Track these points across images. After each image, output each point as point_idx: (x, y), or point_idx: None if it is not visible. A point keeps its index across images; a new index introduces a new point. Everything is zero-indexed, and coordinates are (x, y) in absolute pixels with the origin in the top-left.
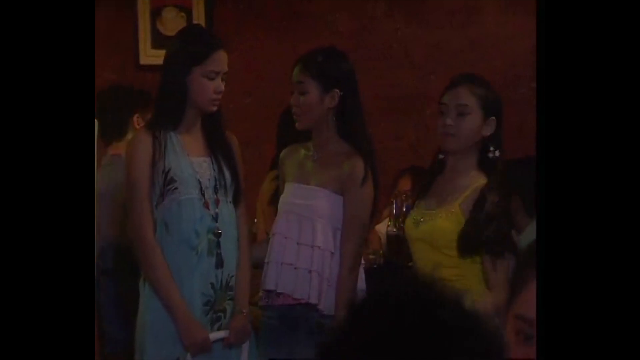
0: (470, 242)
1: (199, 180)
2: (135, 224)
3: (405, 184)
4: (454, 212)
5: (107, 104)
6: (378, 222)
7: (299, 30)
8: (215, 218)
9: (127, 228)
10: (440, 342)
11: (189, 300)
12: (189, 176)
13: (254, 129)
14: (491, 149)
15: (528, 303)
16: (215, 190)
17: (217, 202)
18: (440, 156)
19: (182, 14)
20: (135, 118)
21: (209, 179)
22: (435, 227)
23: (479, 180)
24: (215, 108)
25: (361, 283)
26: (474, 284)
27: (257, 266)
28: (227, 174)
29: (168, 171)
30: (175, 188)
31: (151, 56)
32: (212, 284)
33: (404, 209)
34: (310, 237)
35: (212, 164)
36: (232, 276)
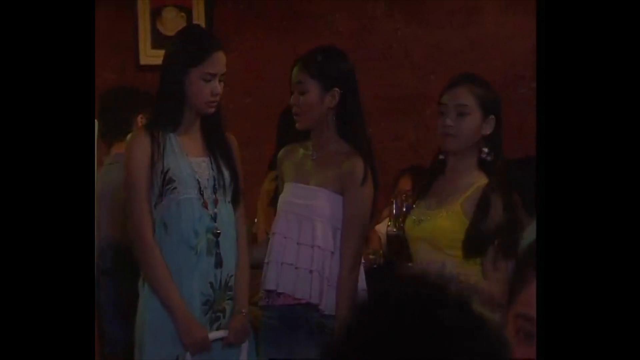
0: (477, 245)
1: (197, 180)
2: (135, 224)
3: (405, 184)
4: (455, 212)
5: (112, 104)
6: (378, 222)
7: (299, 30)
8: (214, 218)
9: (127, 228)
10: (444, 343)
11: (188, 300)
12: (188, 176)
13: (254, 129)
14: (485, 150)
15: (529, 302)
16: (214, 190)
17: (215, 202)
18: (441, 156)
19: (182, 14)
20: (139, 118)
21: (208, 179)
22: (437, 226)
23: (480, 180)
24: (212, 110)
25: (361, 283)
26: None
27: (257, 267)
28: (226, 174)
29: (167, 171)
30: (174, 188)
31: (151, 56)
32: (211, 283)
33: (404, 209)
34: (310, 237)
35: (211, 164)
36: (232, 276)
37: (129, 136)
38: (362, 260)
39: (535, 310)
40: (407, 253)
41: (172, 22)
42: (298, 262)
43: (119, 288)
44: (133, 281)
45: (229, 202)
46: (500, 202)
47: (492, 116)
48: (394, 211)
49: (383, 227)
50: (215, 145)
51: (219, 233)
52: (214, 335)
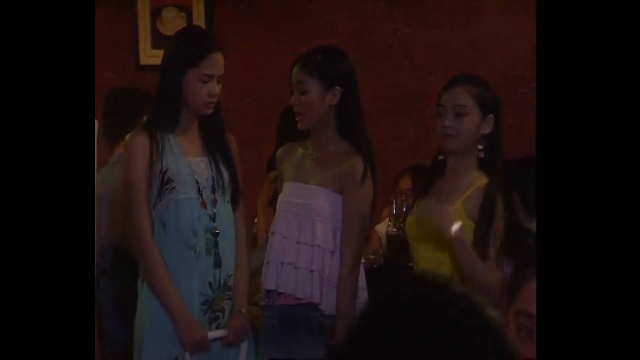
0: (485, 245)
1: (196, 180)
2: (134, 224)
3: (405, 184)
4: (457, 210)
5: (116, 104)
6: (378, 222)
7: (299, 30)
8: (213, 218)
9: (126, 228)
10: (449, 342)
11: (187, 300)
12: (187, 176)
13: (254, 129)
14: (480, 147)
15: (529, 299)
16: (213, 190)
17: (214, 202)
18: (440, 157)
19: (182, 14)
20: (144, 119)
21: (207, 179)
22: (438, 225)
23: (481, 180)
24: (210, 111)
25: (361, 282)
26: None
27: (256, 273)
28: (225, 174)
29: (165, 171)
30: (173, 188)
31: (151, 56)
32: (210, 283)
33: (404, 209)
34: (310, 237)
35: (210, 164)
36: (231, 276)
37: (127, 136)
38: (362, 260)
39: (535, 307)
40: (407, 253)
41: (172, 22)
42: (298, 261)
43: (119, 288)
44: (133, 281)
45: (228, 202)
46: (502, 201)
47: (491, 115)
48: (394, 211)
49: (383, 227)
50: (214, 145)
51: (218, 233)
52: (213, 334)
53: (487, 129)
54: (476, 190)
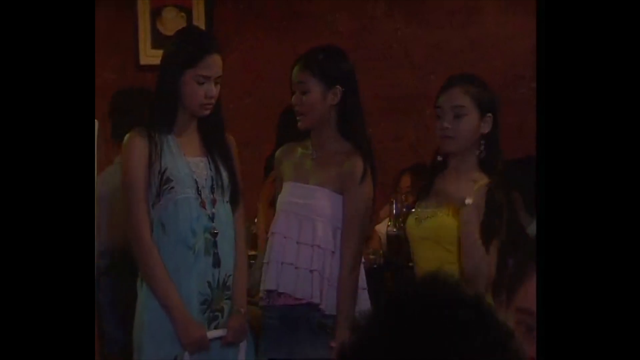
0: (486, 241)
1: (195, 180)
2: (132, 224)
3: (406, 183)
4: (457, 209)
5: (123, 104)
6: (377, 222)
7: (299, 30)
8: (212, 218)
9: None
10: (459, 343)
11: (186, 300)
12: (185, 176)
13: (254, 129)
14: (480, 148)
15: (528, 296)
16: (212, 190)
17: (213, 202)
18: (439, 158)
19: (182, 14)
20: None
21: (206, 179)
22: (439, 224)
23: (482, 179)
24: (207, 112)
25: (361, 282)
26: None
27: (253, 292)
28: (224, 174)
29: (164, 171)
30: (172, 187)
31: (151, 56)
32: (209, 282)
33: (404, 209)
34: (310, 237)
35: (209, 164)
36: (230, 275)
37: (126, 137)
38: (362, 260)
39: (535, 304)
40: (407, 253)
41: (172, 22)
42: (298, 261)
43: (119, 288)
44: (132, 281)
45: (227, 202)
46: (504, 200)
47: (490, 115)
48: (394, 211)
49: (383, 227)
50: (213, 145)
51: (217, 233)
52: (212, 334)
53: (486, 129)
54: (479, 189)
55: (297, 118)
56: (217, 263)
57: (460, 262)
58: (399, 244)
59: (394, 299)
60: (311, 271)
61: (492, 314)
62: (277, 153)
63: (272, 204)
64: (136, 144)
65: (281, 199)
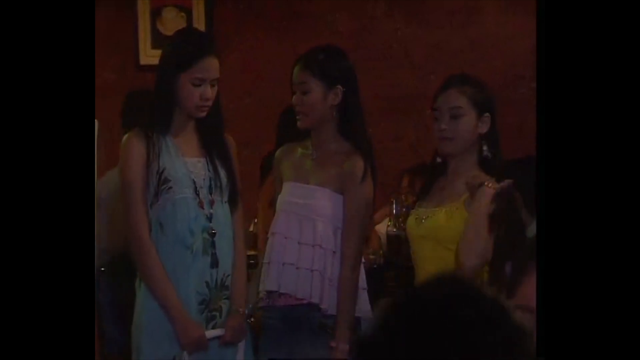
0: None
1: (193, 180)
2: (131, 224)
3: (409, 183)
4: (458, 209)
5: (135, 104)
6: (377, 223)
7: (299, 30)
8: (210, 218)
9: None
10: (475, 339)
11: (185, 299)
12: (183, 176)
13: (254, 129)
14: (485, 147)
15: (528, 294)
16: (210, 191)
17: (211, 203)
18: (439, 160)
19: (182, 14)
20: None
21: (204, 179)
22: (440, 223)
23: (482, 179)
24: (203, 114)
25: (362, 282)
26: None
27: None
28: (222, 174)
29: (162, 171)
30: (170, 187)
31: (151, 56)
32: (207, 282)
33: (404, 209)
34: (311, 237)
35: (207, 164)
36: (228, 275)
37: (124, 137)
38: (362, 260)
39: (534, 301)
40: (407, 253)
41: (172, 22)
42: (299, 262)
43: (118, 288)
44: (131, 281)
45: (225, 202)
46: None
47: (487, 114)
48: (394, 211)
49: (383, 227)
50: (211, 146)
51: (215, 233)
52: (210, 333)
53: (484, 129)
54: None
55: (298, 118)
56: (215, 263)
57: (459, 250)
58: (399, 244)
59: (412, 299)
60: (312, 271)
61: (509, 312)
62: (277, 153)
63: (272, 204)
64: (134, 145)
65: (281, 199)
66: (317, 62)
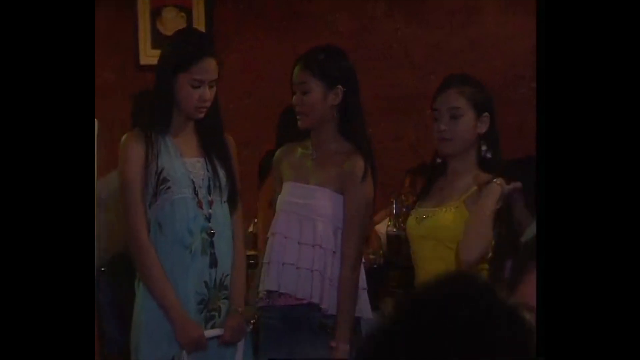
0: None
1: (192, 180)
2: (130, 225)
3: (411, 183)
4: (458, 208)
5: (144, 104)
6: (377, 223)
7: (299, 30)
8: (208, 218)
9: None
10: (482, 335)
11: (183, 299)
12: (182, 176)
13: (254, 129)
14: (484, 148)
15: (528, 292)
16: (209, 191)
17: (210, 203)
18: (438, 161)
19: (182, 14)
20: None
21: (203, 179)
22: (440, 222)
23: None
24: (201, 115)
25: (362, 282)
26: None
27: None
28: (221, 174)
29: (161, 171)
30: (168, 187)
31: (151, 56)
32: (205, 282)
33: (404, 209)
34: (311, 237)
35: (206, 164)
36: (227, 275)
37: (123, 137)
38: (362, 260)
39: (534, 299)
40: (407, 253)
41: (172, 22)
42: (299, 262)
43: (118, 289)
44: (131, 281)
45: (224, 202)
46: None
47: (486, 114)
48: (394, 211)
49: (383, 227)
50: (211, 146)
51: (214, 233)
52: (209, 333)
53: (483, 128)
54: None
55: (298, 118)
56: (214, 263)
57: (460, 244)
58: (399, 244)
59: (425, 299)
60: (312, 271)
61: (518, 311)
62: (277, 153)
63: (272, 204)
64: (132, 145)
65: (281, 199)
66: (317, 62)
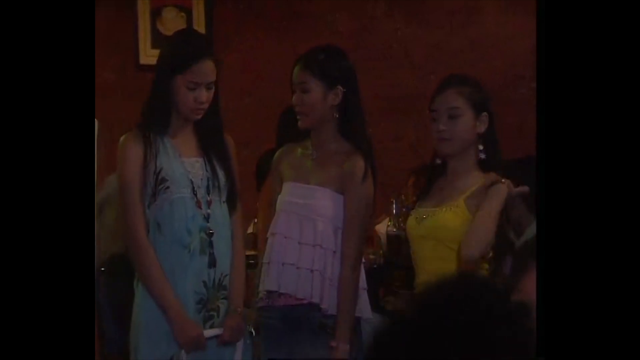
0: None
1: (191, 180)
2: (128, 225)
3: (415, 183)
4: (459, 207)
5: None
6: (377, 223)
7: (299, 30)
8: (207, 218)
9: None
10: (490, 334)
11: (182, 299)
12: (181, 175)
13: (254, 129)
14: (480, 148)
15: (528, 291)
16: (208, 191)
17: (209, 203)
18: (438, 161)
19: (182, 14)
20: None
21: (202, 179)
22: (440, 222)
23: (482, 179)
24: (198, 116)
25: (362, 282)
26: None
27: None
28: (220, 174)
29: (159, 171)
30: (167, 187)
31: (151, 56)
32: (204, 282)
33: (404, 209)
34: (311, 237)
35: (205, 164)
36: (226, 275)
37: (121, 138)
38: (362, 260)
39: (534, 297)
40: (407, 253)
41: (172, 22)
42: (299, 262)
43: (117, 289)
44: (130, 281)
45: (223, 202)
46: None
47: (485, 114)
48: (394, 211)
49: (383, 227)
50: (210, 146)
51: (212, 233)
52: (208, 332)
53: (481, 128)
54: (479, 188)
55: (298, 118)
56: (212, 263)
57: (463, 241)
58: (399, 244)
59: (438, 304)
60: (312, 271)
61: (518, 311)
62: (277, 153)
63: (272, 204)
64: (131, 146)
65: (281, 199)
66: (317, 62)
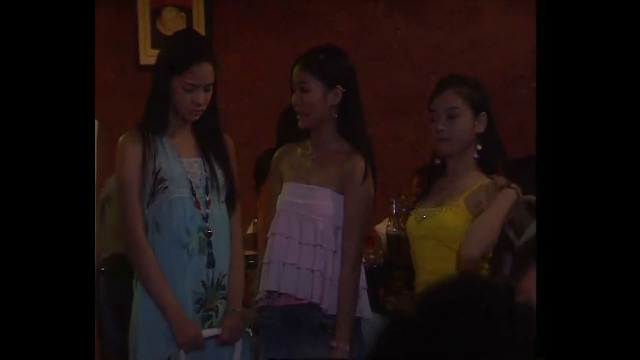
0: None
1: (189, 180)
2: (127, 225)
3: (419, 183)
4: (459, 207)
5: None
6: (377, 223)
7: (299, 30)
8: (206, 218)
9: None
10: (492, 334)
11: (181, 298)
12: (180, 175)
13: (254, 129)
14: (478, 148)
15: (528, 290)
16: (207, 191)
17: (208, 203)
18: (437, 161)
19: (182, 14)
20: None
21: (200, 179)
22: (440, 222)
23: (482, 179)
24: (196, 118)
25: (362, 282)
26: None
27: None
28: (219, 174)
29: (158, 171)
30: (166, 187)
31: (151, 56)
32: (203, 282)
33: (404, 209)
34: (312, 237)
35: (204, 164)
36: (225, 275)
37: (120, 138)
38: (362, 260)
39: (534, 297)
40: (407, 253)
41: (172, 22)
42: (300, 262)
43: (116, 289)
44: (129, 281)
45: (222, 202)
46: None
47: (483, 113)
48: (394, 211)
49: (383, 227)
50: (208, 146)
51: (211, 233)
52: (207, 332)
53: (481, 128)
54: (479, 187)
55: (298, 117)
56: (211, 263)
57: (464, 240)
58: (399, 244)
59: (441, 304)
60: (312, 271)
61: (518, 311)
62: (277, 153)
63: (272, 204)
64: (129, 146)
65: (281, 199)
66: (317, 62)
